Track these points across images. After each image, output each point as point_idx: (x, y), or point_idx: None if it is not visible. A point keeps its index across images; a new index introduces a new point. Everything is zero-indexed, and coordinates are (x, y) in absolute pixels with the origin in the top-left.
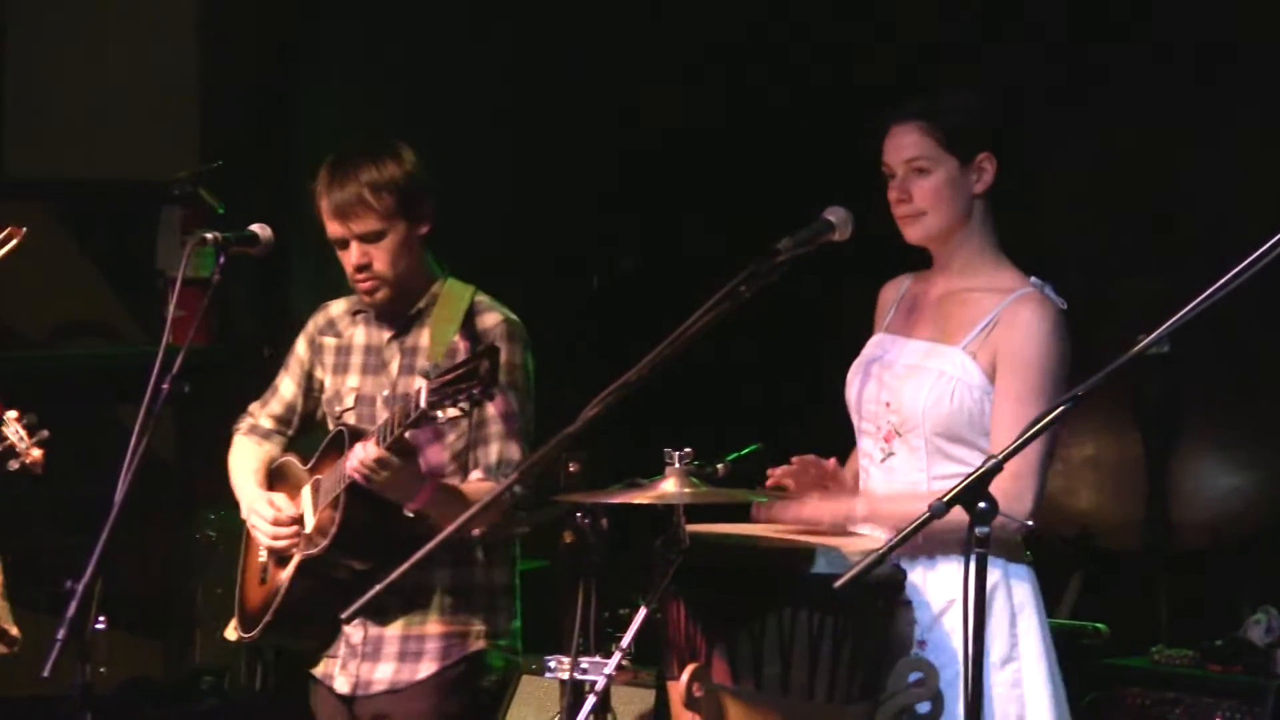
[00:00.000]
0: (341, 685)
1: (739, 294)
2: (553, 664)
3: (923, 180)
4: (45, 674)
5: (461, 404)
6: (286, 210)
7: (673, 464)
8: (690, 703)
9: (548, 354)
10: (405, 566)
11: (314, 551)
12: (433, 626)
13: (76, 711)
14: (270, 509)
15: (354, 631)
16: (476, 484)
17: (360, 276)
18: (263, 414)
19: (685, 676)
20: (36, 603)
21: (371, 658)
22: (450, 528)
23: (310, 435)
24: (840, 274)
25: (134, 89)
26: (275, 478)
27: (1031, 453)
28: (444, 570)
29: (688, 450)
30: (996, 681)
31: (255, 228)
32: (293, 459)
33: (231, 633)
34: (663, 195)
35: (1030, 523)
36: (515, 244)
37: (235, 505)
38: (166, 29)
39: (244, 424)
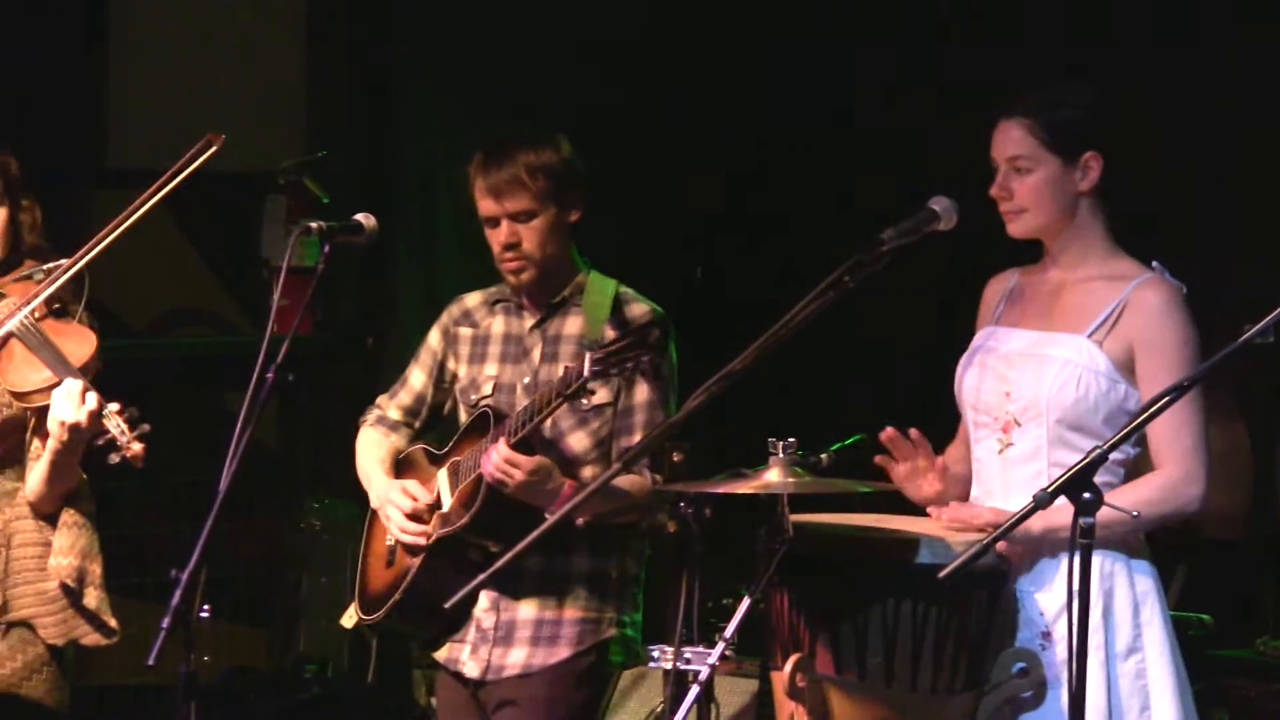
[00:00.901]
0: (471, 670)
1: (843, 284)
2: (656, 654)
3: (1023, 179)
4: (150, 662)
5: (628, 370)
6: (391, 200)
7: (777, 454)
8: (794, 693)
9: None
10: (508, 558)
11: (449, 530)
12: (568, 612)
13: (180, 700)
14: (406, 499)
15: (485, 616)
16: (622, 477)
17: (508, 255)
18: (391, 405)
19: (789, 666)
20: (141, 591)
21: (504, 642)
22: (554, 518)
23: (436, 429)
24: (951, 264)
25: (239, 78)
26: (402, 468)
27: (1192, 434)
28: (582, 556)
29: (791, 440)
30: (1120, 673)
31: (360, 217)
32: (420, 449)
33: (349, 619)
34: (766, 185)
35: (1136, 514)
36: (617, 234)
37: (340, 494)
38: (272, 18)
39: (371, 415)
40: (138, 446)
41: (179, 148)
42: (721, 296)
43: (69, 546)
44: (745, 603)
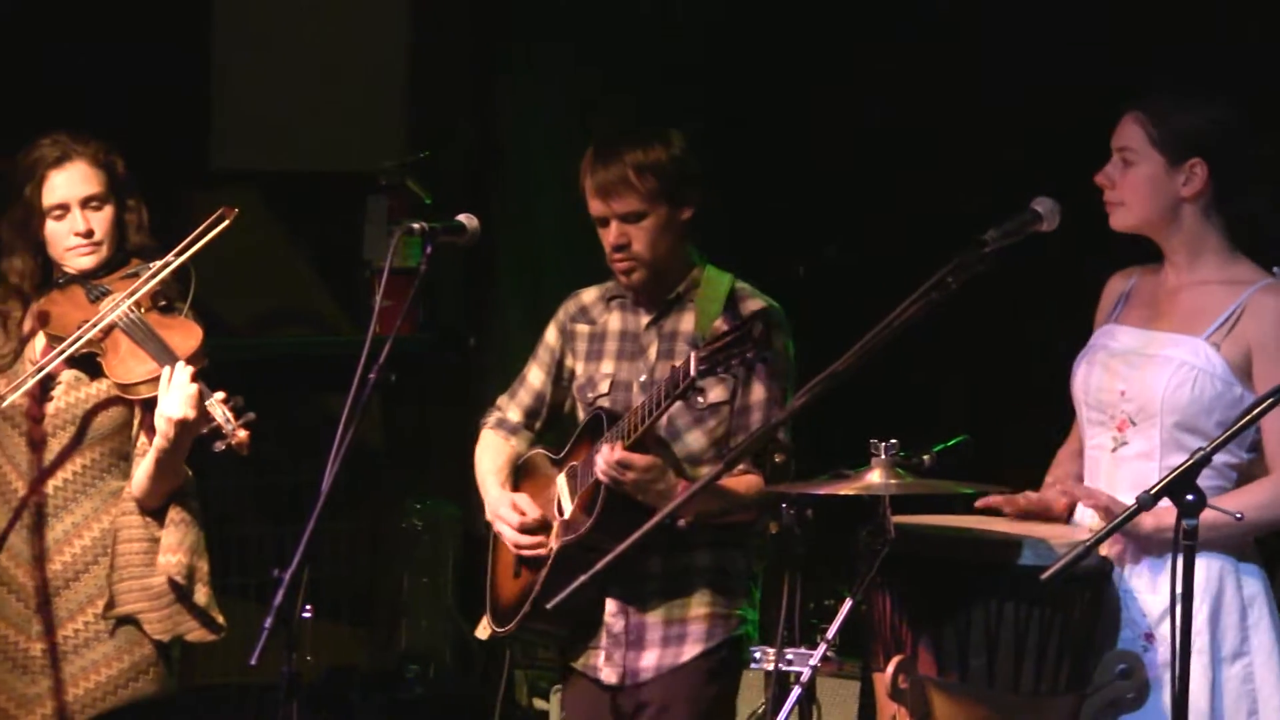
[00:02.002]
0: (609, 676)
1: (946, 285)
2: (758, 655)
3: (1127, 171)
4: (253, 662)
5: (734, 369)
6: (493, 200)
7: (879, 455)
8: (895, 694)
9: None
10: (608, 560)
11: (573, 537)
12: (695, 610)
13: (283, 699)
14: (515, 514)
15: (614, 621)
16: (738, 476)
17: (618, 256)
18: (511, 406)
19: (891, 668)
20: (244, 591)
21: (636, 645)
22: (655, 519)
23: (557, 428)
24: (1049, 263)
25: (341, 80)
26: (522, 474)
27: None
28: (704, 552)
29: (894, 441)
30: (1227, 677)
31: (462, 218)
32: (540, 453)
33: (483, 631)
34: (870, 184)
35: (1239, 516)
36: (721, 233)
37: (441, 494)
38: (374, 19)
39: (492, 418)
40: (243, 434)
41: (282, 148)
42: (827, 294)
43: (178, 544)
44: (847, 604)
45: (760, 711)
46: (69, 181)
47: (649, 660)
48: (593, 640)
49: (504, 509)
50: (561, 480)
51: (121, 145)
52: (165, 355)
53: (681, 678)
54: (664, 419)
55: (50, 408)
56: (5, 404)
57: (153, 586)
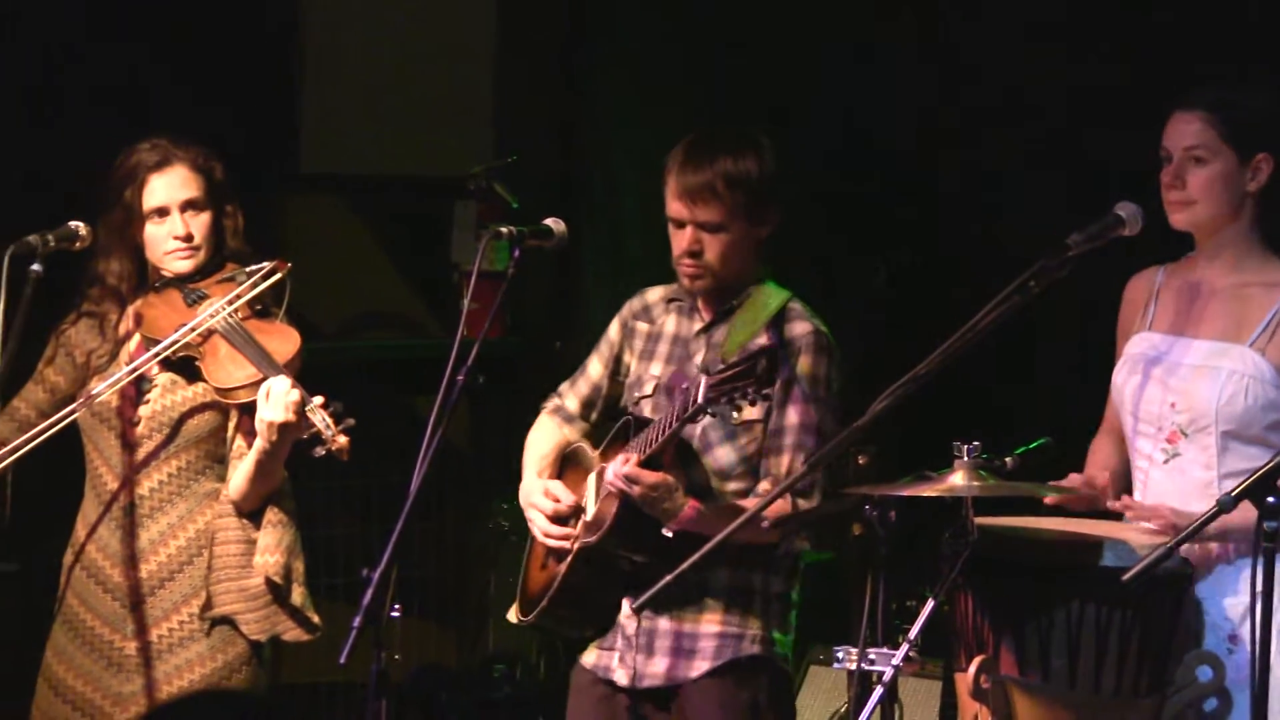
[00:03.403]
0: (620, 678)
1: (1028, 289)
2: (840, 655)
3: (1198, 170)
4: (342, 661)
5: (738, 403)
6: (580, 204)
7: (961, 457)
8: (977, 694)
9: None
10: (695, 558)
11: (591, 540)
12: (706, 625)
13: (372, 698)
14: (548, 501)
15: (628, 623)
16: (755, 500)
17: (688, 262)
18: (570, 394)
19: (972, 668)
20: (333, 591)
21: (645, 650)
22: (730, 527)
23: (614, 422)
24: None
25: (430, 85)
26: (568, 463)
27: None
28: (721, 570)
29: (976, 443)
30: None
31: (550, 222)
32: (585, 446)
33: (513, 615)
34: (953, 186)
35: None
36: (800, 236)
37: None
38: (463, 24)
39: (551, 403)
40: (343, 439)
41: (371, 153)
42: (909, 298)
43: (275, 544)
44: (930, 604)
45: (843, 711)
46: (169, 185)
47: (659, 666)
48: (608, 641)
49: (537, 496)
50: (591, 480)
51: (215, 150)
52: (265, 361)
53: (691, 695)
54: (698, 430)
55: (145, 410)
56: (98, 400)
57: (250, 587)
